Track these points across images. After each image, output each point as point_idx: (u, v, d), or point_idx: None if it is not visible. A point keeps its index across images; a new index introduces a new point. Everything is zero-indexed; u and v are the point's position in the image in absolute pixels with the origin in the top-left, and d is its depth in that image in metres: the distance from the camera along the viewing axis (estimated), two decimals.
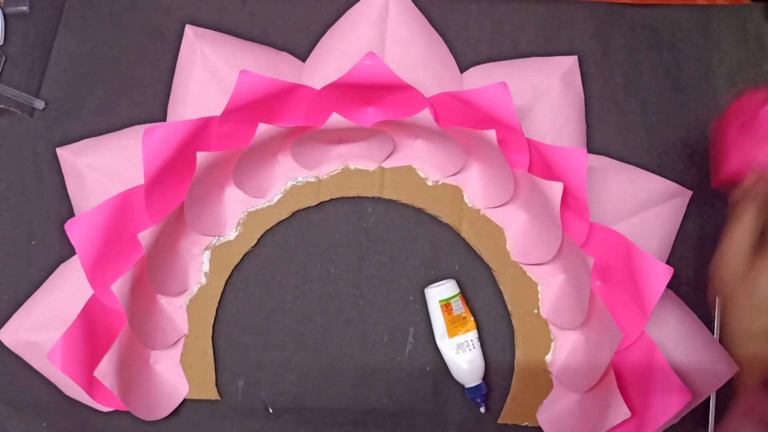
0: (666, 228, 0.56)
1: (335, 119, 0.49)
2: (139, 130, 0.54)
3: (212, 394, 0.55)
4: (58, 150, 0.55)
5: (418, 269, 0.57)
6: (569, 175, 0.48)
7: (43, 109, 0.56)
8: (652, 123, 0.58)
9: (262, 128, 0.48)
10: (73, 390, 0.53)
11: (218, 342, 0.56)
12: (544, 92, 0.55)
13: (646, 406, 0.51)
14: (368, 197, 0.57)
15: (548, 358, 0.56)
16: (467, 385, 0.55)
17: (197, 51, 0.54)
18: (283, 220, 0.56)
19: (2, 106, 0.55)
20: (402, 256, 0.57)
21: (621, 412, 0.49)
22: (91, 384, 0.50)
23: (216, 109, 0.49)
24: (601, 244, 0.52)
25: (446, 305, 0.54)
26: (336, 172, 0.56)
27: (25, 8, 0.56)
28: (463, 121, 0.50)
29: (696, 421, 0.56)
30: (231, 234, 0.56)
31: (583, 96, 0.56)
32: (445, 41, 0.56)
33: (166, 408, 0.54)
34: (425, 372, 0.56)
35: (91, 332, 0.50)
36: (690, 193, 0.56)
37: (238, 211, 0.56)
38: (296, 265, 0.57)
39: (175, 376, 0.55)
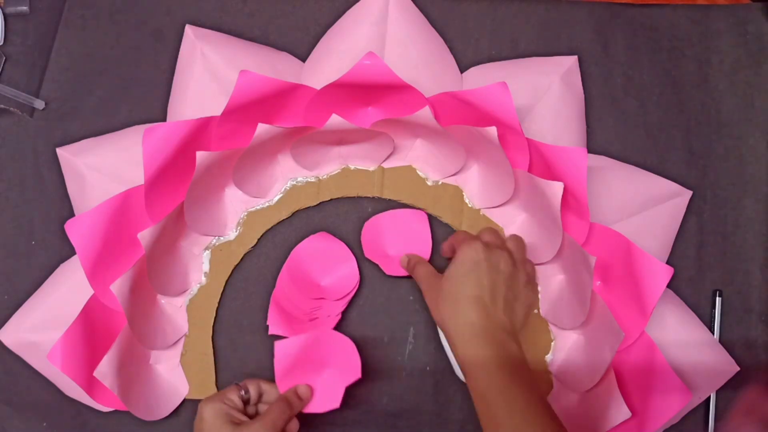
0: (666, 228, 0.56)
1: (335, 120, 0.49)
2: (139, 130, 0.54)
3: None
4: (58, 150, 0.55)
5: None
6: (569, 175, 0.48)
7: (43, 109, 0.56)
8: (652, 123, 0.58)
9: (262, 128, 0.48)
10: (73, 390, 0.53)
11: (218, 342, 0.56)
12: (544, 92, 0.55)
13: (647, 406, 0.51)
14: (368, 197, 0.57)
15: (548, 358, 0.56)
16: None
17: (197, 51, 0.54)
18: (283, 220, 0.56)
19: (2, 106, 0.55)
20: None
21: (621, 412, 0.49)
22: (91, 384, 0.50)
23: (216, 109, 0.49)
24: (601, 244, 0.52)
25: None
26: (336, 172, 0.56)
27: (25, 8, 0.56)
28: (463, 121, 0.50)
29: (696, 421, 0.56)
30: (231, 234, 0.56)
31: (583, 96, 0.56)
32: (445, 41, 0.56)
33: (166, 408, 0.54)
34: (425, 372, 0.56)
35: (91, 332, 0.50)
36: (690, 193, 0.56)
37: (238, 211, 0.56)
38: None
39: (175, 376, 0.55)
